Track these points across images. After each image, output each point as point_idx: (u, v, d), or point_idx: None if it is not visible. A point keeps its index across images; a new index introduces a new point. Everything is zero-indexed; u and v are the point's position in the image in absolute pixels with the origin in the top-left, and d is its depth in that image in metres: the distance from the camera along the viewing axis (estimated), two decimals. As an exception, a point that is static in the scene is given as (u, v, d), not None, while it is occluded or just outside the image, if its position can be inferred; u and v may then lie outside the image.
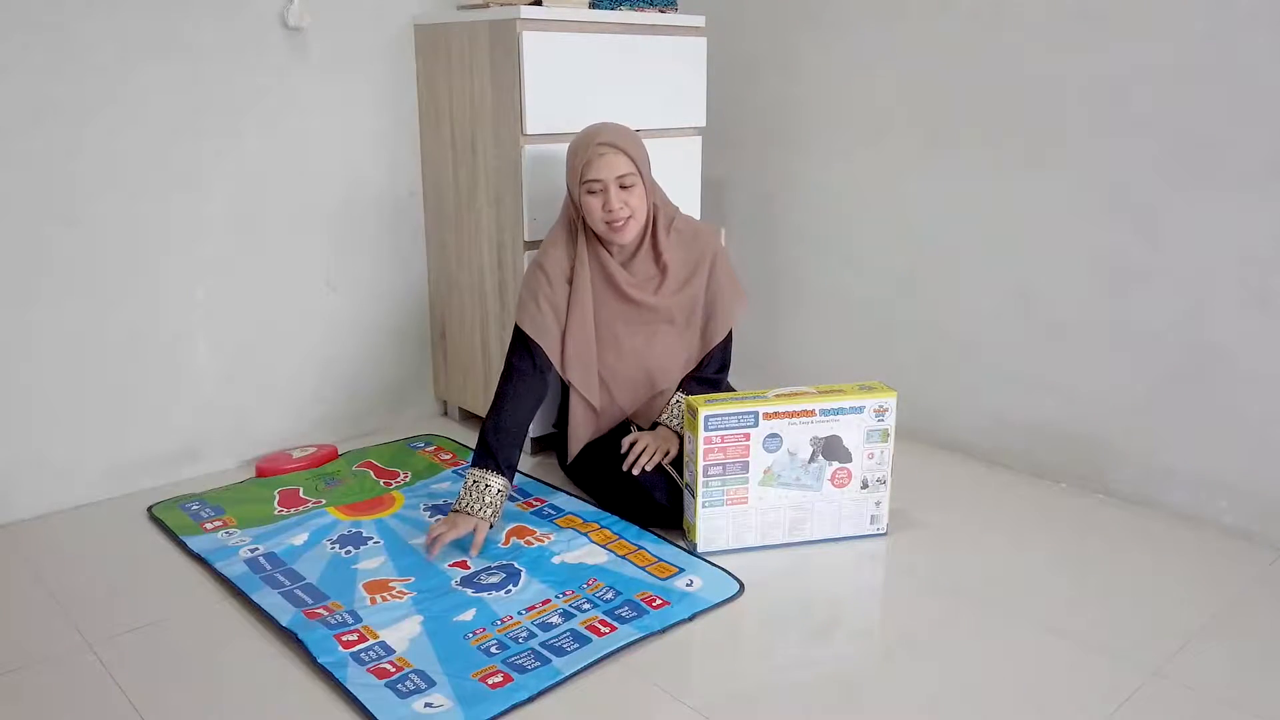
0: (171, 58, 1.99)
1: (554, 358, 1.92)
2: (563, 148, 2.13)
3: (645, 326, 1.97)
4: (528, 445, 2.32)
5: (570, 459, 2.05)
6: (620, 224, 1.86)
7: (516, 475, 2.15)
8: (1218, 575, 1.76)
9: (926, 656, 1.51)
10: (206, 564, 1.75)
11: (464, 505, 1.81)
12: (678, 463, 1.90)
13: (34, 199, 1.87)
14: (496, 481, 1.82)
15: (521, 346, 1.91)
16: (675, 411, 1.98)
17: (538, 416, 2.20)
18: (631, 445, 1.92)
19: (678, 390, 2.01)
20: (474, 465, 1.85)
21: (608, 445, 1.97)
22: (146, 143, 1.98)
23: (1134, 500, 2.05)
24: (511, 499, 2.02)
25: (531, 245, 2.16)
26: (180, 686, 1.42)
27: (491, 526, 1.82)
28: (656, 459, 1.90)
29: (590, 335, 1.94)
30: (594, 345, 1.95)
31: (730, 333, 2.05)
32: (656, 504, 1.87)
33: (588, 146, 1.86)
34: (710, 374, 2.04)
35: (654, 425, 2.01)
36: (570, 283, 1.93)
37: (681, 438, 1.93)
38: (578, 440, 2.01)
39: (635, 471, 1.88)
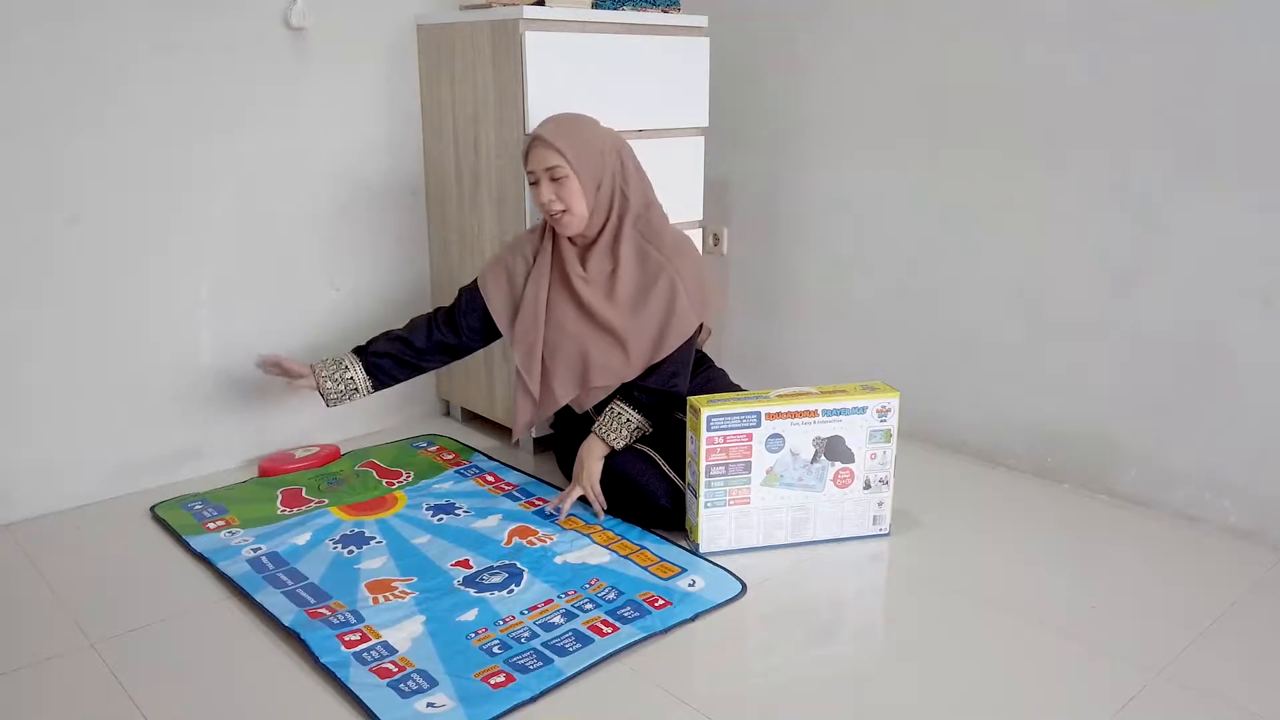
0: (174, 57, 1.99)
1: (498, 315, 2.01)
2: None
3: (586, 320, 1.95)
4: (529, 445, 2.32)
5: (514, 440, 2.11)
6: (555, 216, 1.91)
7: (519, 475, 2.16)
8: (1221, 576, 1.76)
9: (929, 657, 1.51)
10: (209, 563, 1.75)
11: (319, 370, 1.99)
12: (679, 464, 1.90)
13: (36, 198, 1.88)
14: (362, 383, 2.00)
15: (466, 290, 2.05)
16: (608, 420, 1.94)
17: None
18: (567, 499, 1.95)
19: (615, 397, 1.96)
20: (358, 353, 2.01)
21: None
22: (149, 142, 1.99)
23: (1137, 500, 2.05)
24: (514, 499, 2.02)
25: (534, 245, 2.16)
26: (182, 686, 1.42)
27: (324, 397, 2.00)
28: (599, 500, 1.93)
29: (539, 318, 1.97)
30: (541, 328, 1.97)
31: (687, 346, 1.95)
32: (659, 507, 1.88)
33: (528, 138, 1.92)
34: (653, 384, 1.94)
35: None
36: (533, 266, 1.99)
37: (612, 448, 1.93)
38: (521, 422, 2.04)
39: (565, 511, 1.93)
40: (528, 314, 1.98)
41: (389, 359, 2.01)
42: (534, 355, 1.98)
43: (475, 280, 2.06)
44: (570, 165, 1.86)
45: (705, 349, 2.13)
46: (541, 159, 1.88)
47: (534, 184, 1.91)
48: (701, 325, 1.98)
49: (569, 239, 1.97)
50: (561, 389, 1.98)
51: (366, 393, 2.01)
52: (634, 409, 1.93)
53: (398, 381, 2.06)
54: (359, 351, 2.02)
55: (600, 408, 2.00)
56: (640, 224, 1.97)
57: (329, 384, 1.98)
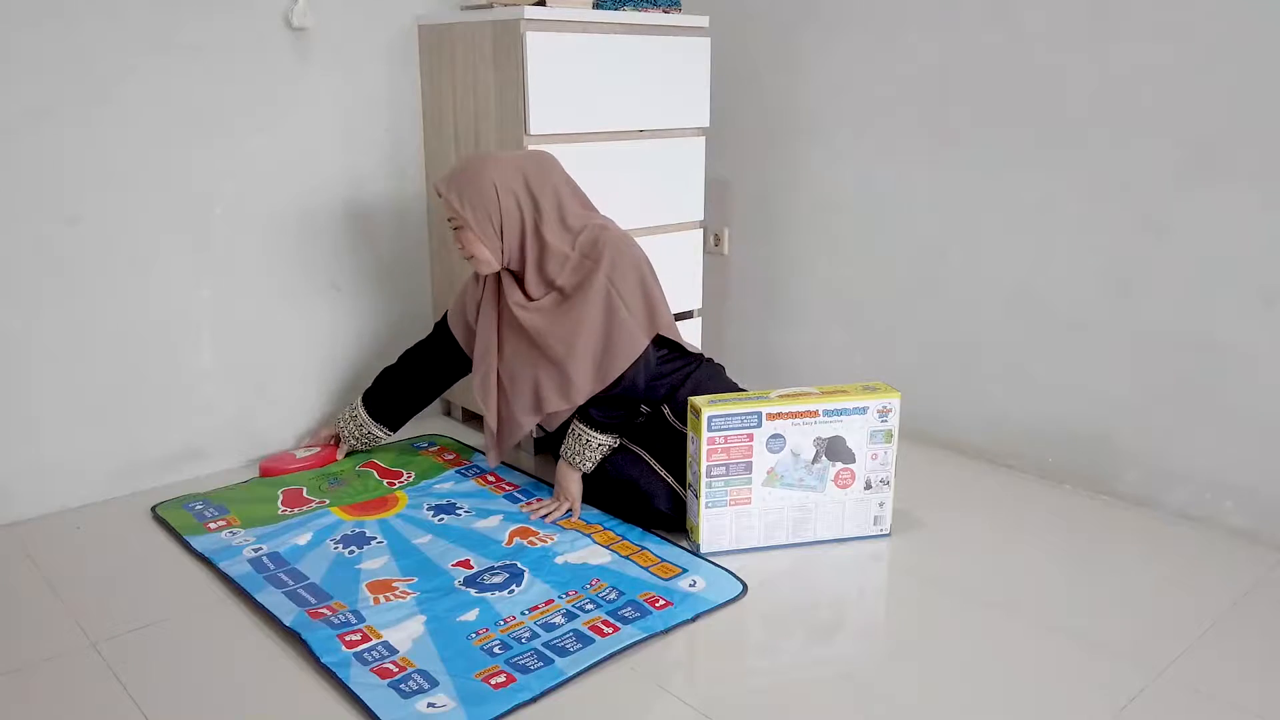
0: (175, 57, 1.99)
1: (467, 349, 2.06)
2: (567, 148, 2.13)
3: (533, 347, 1.92)
4: (529, 445, 2.32)
5: (493, 465, 2.09)
6: (468, 261, 1.93)
7: (519, 475, 2.16)
8: (1223, 576, 1.75)
9: (929, 657, 1.51)
10: (210, 564, 1.76)
11: (347, 434, 2.19)
12: (677, 469, 1.90)
13: (37, 199, 1.88)
14: (382, 434, 2.20)
15: (439, 324, 2.14)
16: (571, 443, 1.93)
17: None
18: (543, 508, 1.96)
19: (575, 417, 1.94)
20: (365, 406, 2.17)
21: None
22: (150, 142, 1.99)
23: (1139, 501, 2.05)
24: (514, 499, 2.03)
25: (535, 245, 2.16)
26: (183, 686, 1.42)
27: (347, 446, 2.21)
28: (558, 517, 1.94)
29: (490, 348, 1.97)
30: (493, 357, 1.97)
31: (638, 362, 1.88)
32: (658, 512, 1.87)
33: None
34: (600, 395, 1.89)
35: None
36: (480, 302, 2.00)
37: (579, 472, 1.94)
38: (492, 448, 2.04)
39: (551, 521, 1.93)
40: (480, 345, 1.99)
41: (397, 410, 2.19)
42: (488, 385, 1.98)
43: (445, 315, 2.12)
44: (460, 215, 1.86)
45: (702, 345, 2.12)
46: (445, 209, 1.91)
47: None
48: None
49: (509, 270, 1.95)
50: (523, 416, 1.97)
51: (388, 437, 2.23)
52: (593, 429, 1.91)
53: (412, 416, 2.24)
54: (369, 406, 2.18)
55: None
56: (581, 245, 1.89)
57: (355, 443, 2.20)
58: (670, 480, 1.89)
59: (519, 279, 1.94)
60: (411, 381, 2.16)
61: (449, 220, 1.90)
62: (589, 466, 1.93)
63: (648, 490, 1.88)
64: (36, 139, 1.86)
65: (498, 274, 1.96)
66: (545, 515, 1.94)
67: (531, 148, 2.09)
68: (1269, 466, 1.87)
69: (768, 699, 1.41)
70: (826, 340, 2.59)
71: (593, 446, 1.92)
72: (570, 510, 1.95)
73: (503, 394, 1.98)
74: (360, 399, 2.18)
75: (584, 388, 1.88)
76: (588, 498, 1.99)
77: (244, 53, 2.08)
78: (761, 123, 2.60)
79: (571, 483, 1.95)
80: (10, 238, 1.86)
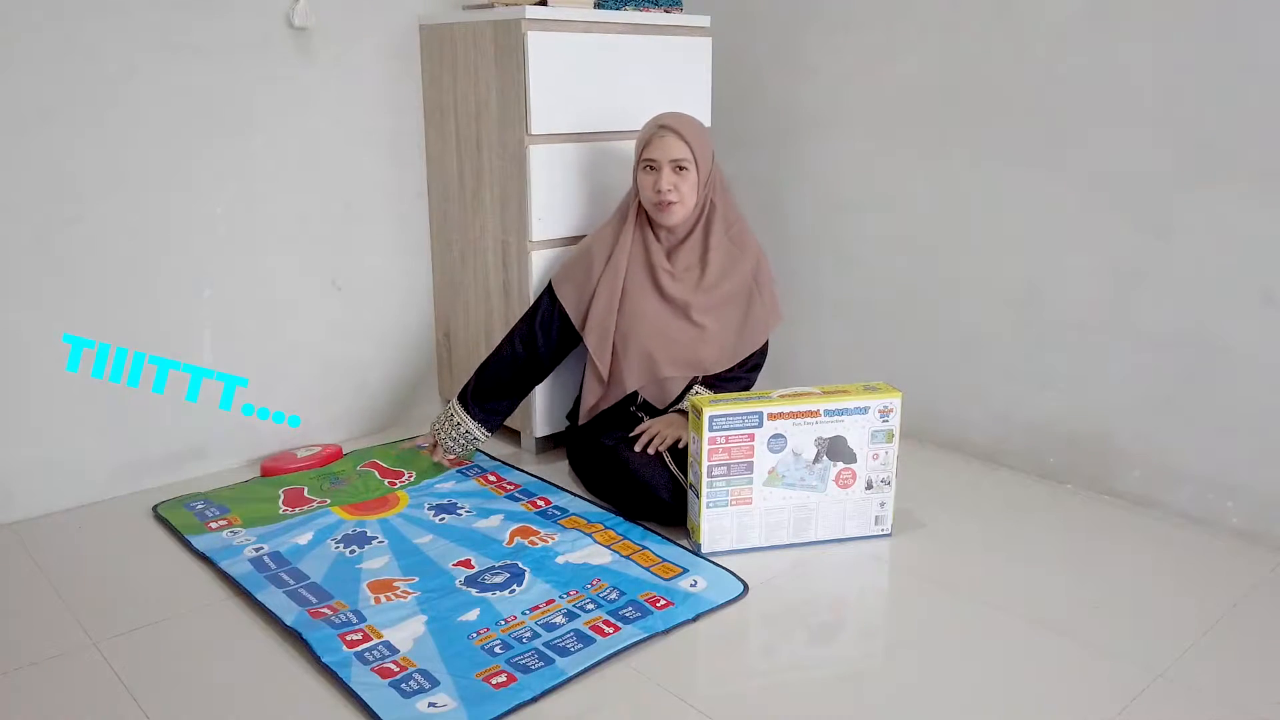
0: (176, 57, 1.99)
1: (574, 316, 2.02)
2: (568, 148, 2.15)
3: (668, 313, 1.99)
4: (532, 445, 2.32)
5: (580, 422, 2.10)
6: (667, 205, 1.94)
7: (521, 475, 2.16)
8: (1224, 577, 1.75)
9: (930, 657, 1.51)
10: (211, 563, 1.76)
11: (446, 441, 2.12)
12: (681, 459, 1.90)
13: (38, 198, 1.88)
14: (477, 430, 2.09)
15: (542, 298, 2.07)
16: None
17: (544, 411, 2.21)
18: (644, 430, 1.97)
19: (700, 384, 2.02)
20: (460, 401, 2.09)
21: (610, 440, 1.97)
22: (152, 142, 1.99)
23: (1140, 501, 2.05)
24: (514, 499, 2.03)
25: (537, 245, 2.16)
26: (184, 685, 1.43)
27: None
28: (668, 443, 1.94)
29: (613, 305, 1.99)
30: (614, 315, 1.99)
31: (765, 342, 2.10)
32: (659, 500, 1.88)
33: (652, 127, 1.97)
34: (740, 371, 2.07)
35: (667, 409, 2.04)
36: (611, 256, 2.01)
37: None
38: (587, 406, 2.06)
39: (650, 451, 1.93)
40: (602, 300, 2.00)
41: (500, 409, 2.10)
42: (606, 341, 2.00)
43: (550, 286, 2.06)
44: (695, 159, 1.94)
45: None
46: (669, 148, 1.93)
47: (650, 170, 1.95)
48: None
49: (655, 235, 2.00)
50: (631, 377, 1.99)
51: (486, 439, 2.12)
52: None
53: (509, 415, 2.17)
54: (465, 403, 2.09)
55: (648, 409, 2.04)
56: (731, 230, 2.04)
57: (453, 445, 2.12)
58: (673, 468, 1.90)
59: (670, 247, 2.01)
60: (521, 368, 2.07)
61: (675, 160, 1.92)
62: None
63: (649, 480, 1.88)
64: (38, 138, 1.86)
65: (633, 237, 2.00)
66: (656, 440, 1.95)
67: (532, 148, 2.09)
68: (1270, 467, 1.87)
69: (768, 699, 1.41)
70: (827, 340, 2.59)
71: None
72: (680, 438, 1.95)
73: (614, 355, 2.01)
74: (458, 399, 2.10)
75: (718, 362, 2.01)
76: (588, 486, 2.02)
77: (245, 53, 2.08)
78: (763, 122, 2.60)
79: (680, 423, 1.98)
80: (12, 236, 1.86)
